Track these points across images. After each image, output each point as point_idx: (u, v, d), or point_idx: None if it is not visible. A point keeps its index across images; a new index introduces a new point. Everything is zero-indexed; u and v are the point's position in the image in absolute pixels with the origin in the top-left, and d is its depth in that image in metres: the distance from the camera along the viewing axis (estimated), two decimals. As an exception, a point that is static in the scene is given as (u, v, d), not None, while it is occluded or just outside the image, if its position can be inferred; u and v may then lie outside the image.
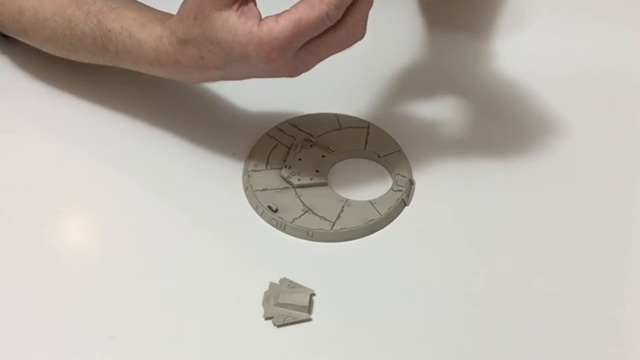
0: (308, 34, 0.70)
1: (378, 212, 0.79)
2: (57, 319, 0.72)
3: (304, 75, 0.75)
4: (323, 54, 0.72)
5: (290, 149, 0.83)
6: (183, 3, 0.74)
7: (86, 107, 0.86)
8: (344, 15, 0.71)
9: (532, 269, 0.76)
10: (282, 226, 0.78)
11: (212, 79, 0.77)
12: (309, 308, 0.72)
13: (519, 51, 0.93)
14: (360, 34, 0.73)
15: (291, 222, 0.78)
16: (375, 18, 0.95)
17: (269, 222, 0.79)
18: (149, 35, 0.77)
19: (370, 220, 0.78)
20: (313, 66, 0.73)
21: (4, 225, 0.78)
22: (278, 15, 0.70)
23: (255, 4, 0.72)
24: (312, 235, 0.77)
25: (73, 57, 0.84)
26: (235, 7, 0.71)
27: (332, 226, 0.78)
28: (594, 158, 0.85)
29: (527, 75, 0.91)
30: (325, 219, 0.78)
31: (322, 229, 0.77)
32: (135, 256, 0.76)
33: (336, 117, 0.85)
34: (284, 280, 0.74)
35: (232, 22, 0.71)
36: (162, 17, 0.78)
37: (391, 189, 0.81)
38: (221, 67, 0.74)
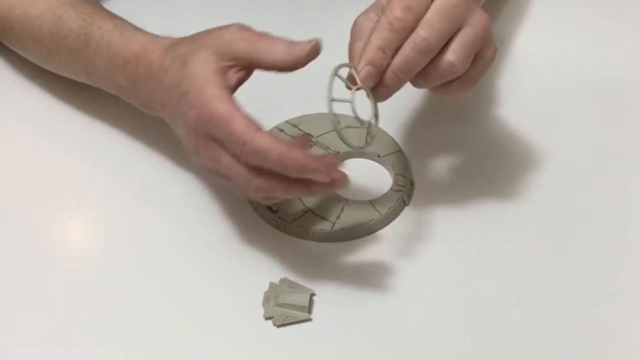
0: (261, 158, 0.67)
1: (378, 212, 0.79)
2: (57, 319, 0.72)
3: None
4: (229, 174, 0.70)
5: None
6: (200, 32, 0.73)
7: (85, 109, 0.86)
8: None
9: (532, 268, 0.76)
10: (282, 226, 0.78)
11: (153, 108, 0.76)
12: (309, 308, 0.72)
13: (519, 51, 0.93)
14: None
15: (291, 222, 0.78)
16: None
17: (269, 222, 0.79)
18: (145, 35, 0.77)
19: (370, 220, 0.78)
20: (213, 166, 0.71)
21: (4, 226, 0.78)
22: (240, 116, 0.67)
23: (238, 84, 0.70)
24: (312, 235, 0.77)
25: (51, 59, 0.84)
26: (228, 66, 0.70)
27: (332, 226, 0.78)
28: (592, 157, 0.85)
29: (526, 75, 0.91)
30: (325, 219, 0.78)
31: (322, 229, 0.77)
32: (135, 256, 0.76)
33: (336, 116, 0.84)
34: (284, 280, 0.74)
35: (211, 70, 0.69)
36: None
37: (391, 189, 0.80)
38: (165, 98, 0.73)
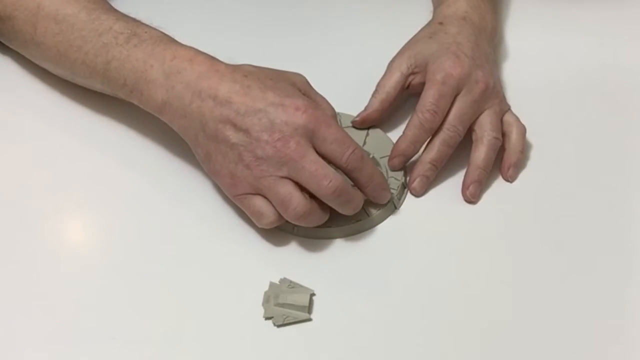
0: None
1: (366, 213, 0.79)
2: (57, 319, 0.71)
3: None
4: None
5: None
6: None
7: (87, 108, 0.85)
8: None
9: (528, 272, 0.77)
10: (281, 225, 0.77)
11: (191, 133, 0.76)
12: (309, 308, 0.73)
13: (518, 52, 0.95)
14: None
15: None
16: (376, 19, 0.96)
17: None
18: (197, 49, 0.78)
19: (358, 220, 0.78)
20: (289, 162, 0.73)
21: (4, 226, 0.77)
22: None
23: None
24: (297, 230, 0.77)
25: (67, 55, 0.82)
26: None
27: None
28: (591, 156, 0.86)
29: (524, 76, 0.92)
30: None
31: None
32: (136, 256, 0.76)
33: (338, 115, 0.84)
34: (284, 280, 0.74)
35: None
36: None
37: (383, 190, 0.81)
38: (232, 91, 0.74)
